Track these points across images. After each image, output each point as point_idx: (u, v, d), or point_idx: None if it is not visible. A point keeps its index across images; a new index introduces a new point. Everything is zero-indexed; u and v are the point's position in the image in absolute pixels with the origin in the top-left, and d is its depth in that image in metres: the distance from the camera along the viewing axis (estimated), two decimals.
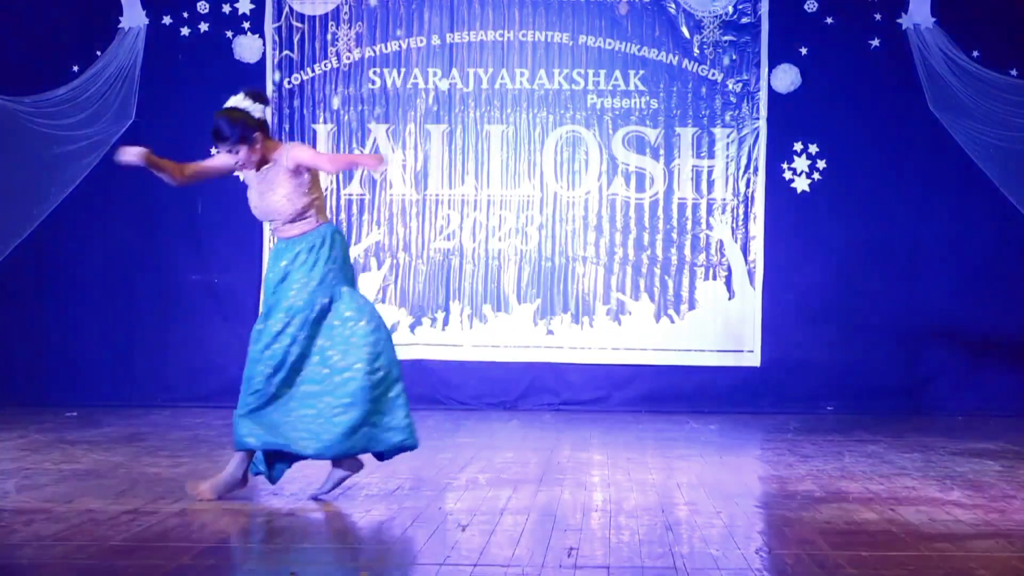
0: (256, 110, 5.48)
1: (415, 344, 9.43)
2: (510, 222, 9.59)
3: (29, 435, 7.69)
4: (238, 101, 5.46)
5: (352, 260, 9.40)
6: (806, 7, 9.43)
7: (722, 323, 9.51)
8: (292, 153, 5.49)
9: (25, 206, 9.38)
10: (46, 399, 9.34)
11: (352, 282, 5.67)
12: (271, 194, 5.49)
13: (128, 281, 9.61)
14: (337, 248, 5.55)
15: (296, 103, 9.59)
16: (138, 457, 6.81)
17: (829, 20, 9.40)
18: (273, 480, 5.65)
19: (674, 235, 9.53)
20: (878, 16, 9.38)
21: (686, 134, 9.53)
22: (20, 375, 9.54)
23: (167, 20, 9.53)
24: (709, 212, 9.52)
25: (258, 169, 5.52)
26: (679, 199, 9.54)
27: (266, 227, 9.55)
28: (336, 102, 9.60)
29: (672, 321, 9.53)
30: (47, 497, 5.52)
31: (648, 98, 9.55)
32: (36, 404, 9.20)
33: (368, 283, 9.54)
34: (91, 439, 7.56)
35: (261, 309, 5.61)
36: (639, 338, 9.53)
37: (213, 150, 6.51)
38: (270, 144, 5.54)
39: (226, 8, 9.55)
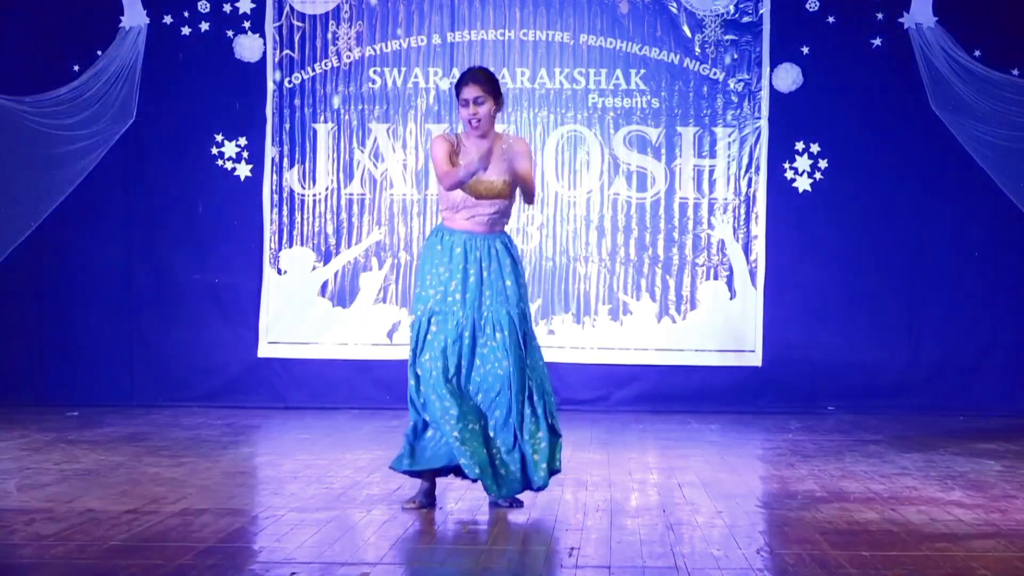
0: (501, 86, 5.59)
1: None
2: (511, 222, 9.54)
3: (29, 435, 7.69)
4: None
5: (352, 260, 9.62)
6: (808, 6, 9.41)
7: (723, 323, 9.49)
8: (517, 147, 5.57)
9: (25, 206, 9.37)
10: (46, 399, 9.33)
11: None
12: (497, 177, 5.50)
13: (128, 281, 9.60)
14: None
15: (296, 102, 9.58)
16: (138, 457, 6.81)
17: (831, 19, 9.38)
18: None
19: (675, 235, 9.52)
20: (880, 15, 9.36)
21: (687, 133, 9.51)
22: (20, 375, 9.53)
23: (168, 19, 9.51)
24: (710, 212, 9.51)
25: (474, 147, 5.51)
26: (680, 199, 9.53)
27: (267, 227, 9.55)
28: (336, 101, 9.59)
29: (673, 321, 9.52)
30: (47, 497, 5.51)
31: (649, 97, 9.54)
32: (36, 404, 9.20)
33: (368, 283, 9.54)
34: (91, 439, 7.56)
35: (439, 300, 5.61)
36: (640, 338, 9.52)
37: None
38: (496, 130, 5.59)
39: (227, 7, 9.54)
